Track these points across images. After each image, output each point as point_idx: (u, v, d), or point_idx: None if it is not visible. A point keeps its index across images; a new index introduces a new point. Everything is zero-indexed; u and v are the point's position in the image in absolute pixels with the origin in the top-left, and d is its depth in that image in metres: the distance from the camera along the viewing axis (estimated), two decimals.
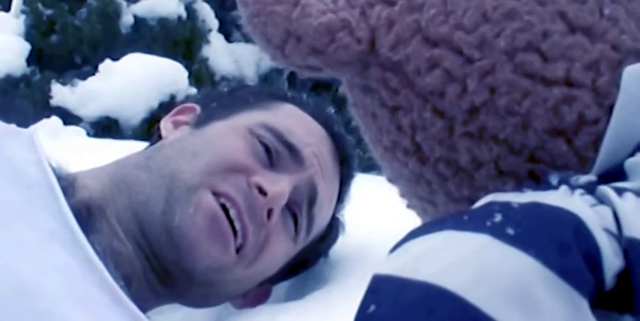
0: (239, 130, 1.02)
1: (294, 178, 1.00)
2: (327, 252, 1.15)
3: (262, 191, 0.96)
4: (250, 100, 1.10)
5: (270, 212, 0.97)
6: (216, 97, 1.16)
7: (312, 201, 1.03)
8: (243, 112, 1.06)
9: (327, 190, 1.06)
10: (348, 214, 1.17)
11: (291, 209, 1.01)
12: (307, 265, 1.13)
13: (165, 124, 1.10)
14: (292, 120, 1.06)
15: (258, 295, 1.07)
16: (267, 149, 1.00)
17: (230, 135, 1.02)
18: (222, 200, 0.95)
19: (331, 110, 1.15)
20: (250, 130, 1.02)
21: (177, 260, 0.94)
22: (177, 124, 1.09)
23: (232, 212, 0.95)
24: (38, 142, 0.90)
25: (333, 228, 1.13)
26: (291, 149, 1.02)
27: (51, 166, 0.89)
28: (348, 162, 1.11)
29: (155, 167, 0.98)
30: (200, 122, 1.06)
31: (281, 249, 1.01)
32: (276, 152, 1.01)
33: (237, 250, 0.96)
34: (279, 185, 0.98)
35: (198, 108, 1.11)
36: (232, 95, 1.14)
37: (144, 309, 0.87)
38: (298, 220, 1.02)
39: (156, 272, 0.95)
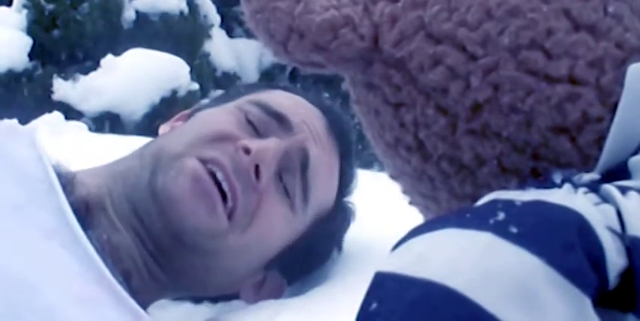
0: (227, 109, 1.04)
1: (283, 142, 1.00)
2: (340, 243, 1.14)
3: (247, 150, 0.96)
4: (242, 90, 1.12)
5: (257, 171, 0.96)
6: (212, 100, 1.20)
7: (304, 165, 1.02)
8: (235, 99, 1.08)
9: (322, 158, 1.05)
10: None
11: (283, 176, 1.00)
12: (321, 255, 1.12)
13: (163, 128, 1.12)
14: (280, 97, 1.08)
15: (271, 288, 1.05)
16: (253, 123, 1.01)
17: (217, 113, 1.05)
18: (209, 166, 0.95)
19: (325, 96, 1.17)
20: (238, 107, 1.04)
21: (165, 225, 0.93)
22: (174, 128, 1.11)
23: (219, 175, 0.95)
24: (38, 140, 0.91)
25: (341, 211, 1.12)
26: (278, 117, 1.03)
27: (51, 164, 0.89)
28: (345, 138, 1.10)
29: (147, 152, 1.00)
30: (191, 115, 1.09)
31: (276, 214, 1.00)
32: (263, 123, 1.02)
33: (230, 217, 0.95)
34: (265, 142, 0.98)
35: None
36: (226, 93, 1.18)
37: (146, 303, 0.87)
38: (290, 187, 1.01)
39: (154, 257, 0.95)
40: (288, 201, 1.01)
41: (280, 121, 1.02)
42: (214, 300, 1.08)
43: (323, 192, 1.06)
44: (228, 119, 1.01)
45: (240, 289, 1.05)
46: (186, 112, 1.15)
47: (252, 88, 1.14)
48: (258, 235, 0.98)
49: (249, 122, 1.01)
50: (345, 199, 1.12)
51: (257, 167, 0.96)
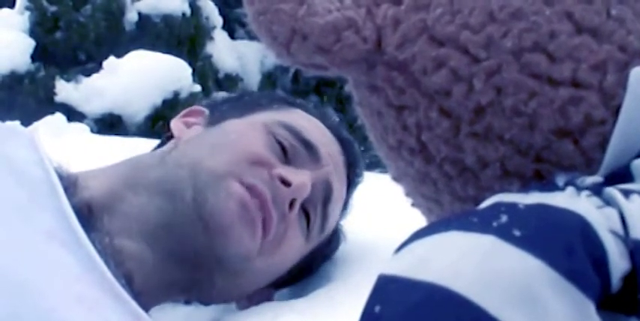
0: (256, 126, 1.03)
1: (312, 174, 1.02)
2: (329, 257, 1.16)
3: (285, 182, 0.97)
4: (262, 102, 1.12)
5: (292, 203, 0.98)
6: (225, 101, 1.19)
7: (327, 199, 1.04)
8: (257, 112, 1.08)
9: (340, 191, 1.07)
10: (352, 212, 1.17)
11: (306, 207, 1.02)
12: (310, 270, 1.14)
13: (176, 125, 1.11)
14: (306, 122, 1.08)
15: (261, 296, 1.07)
16: (283, 147, 1.02)
17: (248, 130, 1.03)
18: (248, 191, 0.96)
19: (336, 118, 1.18)
20: (267, 126, 1.03)
21: (209, 245, 0.94)
22: (189, 125, 1.10)
23: (258, 202, 0.96)
24: (39, 142, 0.91)
25: (337, 234, 1.14)
26: (308, 146, 1.04)
27: (52, 165, 0.89)
28: (356, 169, 1.13)
29: (171, 161, 1.00)
30: (214, 121, 1.08)
31: (296, 245, 1.02)
32: (293, 149, 1.02)
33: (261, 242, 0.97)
34: (302, 176, 0.99)
35: (206, 111, 1.13)
36: (241, 99, 1.17)
37: (148, 305, 0.87)
38: (312, 219, 1.03)
39: (176, 261, 0.95)
40: (306, 230, 1.03)
41: (309, 150, 1.04)
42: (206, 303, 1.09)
43: (334, 221, 1.10)
44: (260, 141, 1.01)
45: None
46: (200, 108, 1.14)
47: (273, 101, 1.14)
48: (278, 261, 1.01)
49: (279, 145, 1.02)
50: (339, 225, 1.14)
51: (292, 200, 0.98)
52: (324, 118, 1.12)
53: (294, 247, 1.02)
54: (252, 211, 0.95)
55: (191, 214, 0.95)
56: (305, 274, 1.13)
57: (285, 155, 1.02)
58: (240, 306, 1.07)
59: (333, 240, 1.13)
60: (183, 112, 1.14)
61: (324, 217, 1.05)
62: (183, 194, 0.95)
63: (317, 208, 1.03)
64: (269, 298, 1.09)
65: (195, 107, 1.15)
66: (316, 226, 1.04)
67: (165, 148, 1.07)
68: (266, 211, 0.96)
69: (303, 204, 1.01)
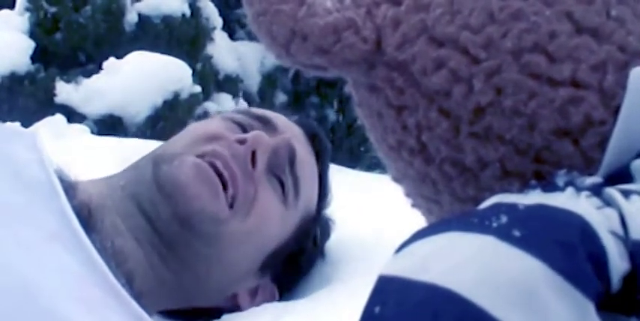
0: (214, 118, 1.13)
1: (272, 139, 1.06)
2: (322, 249, 1.18)
3: (241, 142, 1.03)
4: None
5: (254, 157, 1.02)
6: None
7: (292, 160, 1.08)
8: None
9: (306, 157, 1.11)
10: (351, 213, 1.17)
11: (275, 173, 1.06)
12: (306, 263, 1.15)
13: None
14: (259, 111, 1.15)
15: (264, 294, 1.08)
16: (242, 125, 1.08)
17: (206, 120, 1.13)
18: (207, 158, 1.01)
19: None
20: (223, 115, 1.11)
21: (171, 210, 0.98)
22: None
23: (219, 164, 1.01)
24: (40, 143, 0.91)
25: (322, 222, 1.16)
26: (264, 120, 1.10)
27: (52, 166, 0.90)
28: (323, 154, 1.16)
29: (141, 162, 1.06)
30: None
31: (272, 207, 1.05)
32: (250, 125, 1.08)
33: (232, 205, 1.00)
34: (257, 131, 1.05)
35: None
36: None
37: (151, 306, 0.88)
38: (284, 182, 1.06)
39: (160, 254, 0.98)
40: (281, 195, 1.06)
41: (265, 123, 1.09)
42: (208, 317, 1.09)
43: (309, 190, 1.12)
44: (215, 124, 1.08)
45: (236, 292, 1.07)
46: None
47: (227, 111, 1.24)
48: (257, 223, 1.03)
49: (236, 124, 1.08)
50: (324, 212, 1.17)
51: (253, 154, 1.02)
52: (284, 113, 1.18)
53: (271, 210, 1.05)
54: (208, 171, 0.99)
55: (152, 186, 0.99)
56: (302, 266, 1.15)
57: (245, 131, 1.07)
58: (243, 304, 1.07)
59: (318, 225, 1.15)
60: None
61: (295, 178, 1.08)
62: (144, 176, 1.01)
63: (285, 171, 1.07)
64: (272, 296, 1.09)
65: None
66: (290, 188, 1.07)
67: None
68: (228, 168, 1.00)
69: (272, 170, 1.05)
